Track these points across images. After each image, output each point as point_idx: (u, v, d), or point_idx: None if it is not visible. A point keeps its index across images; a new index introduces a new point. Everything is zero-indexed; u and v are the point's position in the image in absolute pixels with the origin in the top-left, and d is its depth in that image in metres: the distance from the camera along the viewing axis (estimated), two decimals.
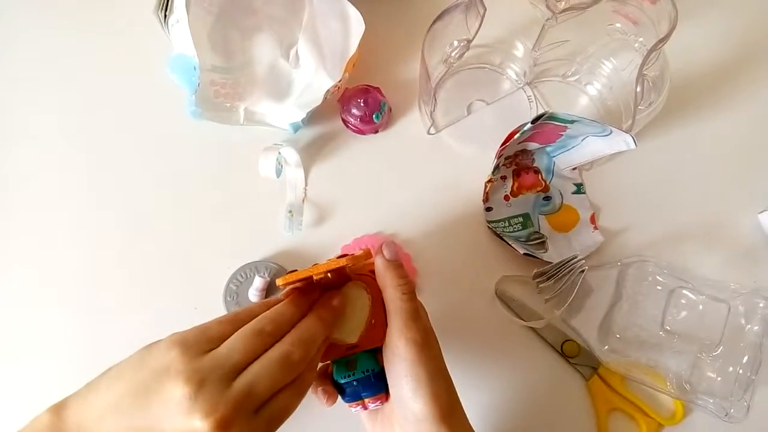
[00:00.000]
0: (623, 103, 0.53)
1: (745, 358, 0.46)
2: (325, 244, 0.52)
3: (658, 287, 0.49)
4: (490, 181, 0.52)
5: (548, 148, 0.54)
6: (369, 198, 0.54)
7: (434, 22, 0.47)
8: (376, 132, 0.55)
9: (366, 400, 0.39)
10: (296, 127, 0.52)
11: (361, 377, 0.38)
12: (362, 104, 0.52)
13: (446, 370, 0.38)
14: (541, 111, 0.51)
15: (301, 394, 0.35)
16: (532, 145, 0.54)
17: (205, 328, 0.34)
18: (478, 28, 0.45)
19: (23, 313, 0.51)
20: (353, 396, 0.39)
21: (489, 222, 0.52)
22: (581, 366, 0.49)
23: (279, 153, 0.52)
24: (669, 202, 0.53)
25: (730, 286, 0.49)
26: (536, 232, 0.52)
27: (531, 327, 0.50)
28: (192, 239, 0.52)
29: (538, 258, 0.50)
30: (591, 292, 0.50)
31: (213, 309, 0.50)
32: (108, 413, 0.31)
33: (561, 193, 0.54)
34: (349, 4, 0.50)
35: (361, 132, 0.55)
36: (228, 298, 0.50)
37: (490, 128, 0.55)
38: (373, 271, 0.40)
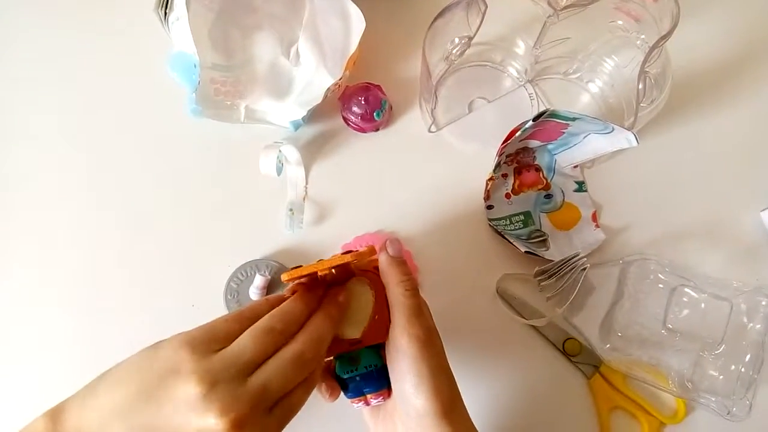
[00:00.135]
0: (625, 101, 0.53)
1: (748, 357, 0.46)
2: (326, 242, 0.52)
3: (660, 285, 0.49)
4: (491, 179, 0.51)
5: (550, 146, 0.54)
6: (370, 196, 0.53)
7: (435, 19, 0.47)
8: (377, 130, 0.55)
9: (368, 396, 0.39)
10: (297, 125, 0.52)
11: (364, 373, 0.39)
12: (363, 102, 0.52)
13: (448, 366, 0.38)
14: (542, 108, 0.51)
15: (309, 391, 0.35)
16: (534, 143, 0.54)
17: (212, 327, 0.33)
18: (480, 25, 0.44)
19: (23, 313, 0.51)
20: (355, 391, 0.39)
21: (490, 220, 0.52)
22: (583, 364, 0.49)
23: (280, 151, 0.52)
24: (671, 200, 0.53)
25: (733, 284, 0.49)
26: (537, 230, 0.52)
27: (532, 325, 0.50)
28: (192, 238, 0.52)
29: (539, 256, 0.50)
30: (592, 291, 0.50)
31: (213, 307, 0.50)
32: (113, 417, 0.31)
33: (562, 191, 0.53)
34: (350, 1, 0.49)
35: (362, 130, 0.55)
36: (229, 297, 0.50)
37: (492, 126, 0.55)
38: (376, 268, 0.40)
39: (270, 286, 0.50)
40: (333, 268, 0.37)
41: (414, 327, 0.36)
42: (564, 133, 0.50)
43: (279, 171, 0.52)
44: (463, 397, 0.38)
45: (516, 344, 0.50)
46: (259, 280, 0.49)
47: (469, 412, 0.38)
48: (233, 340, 0.33)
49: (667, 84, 0.47)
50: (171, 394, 0.31)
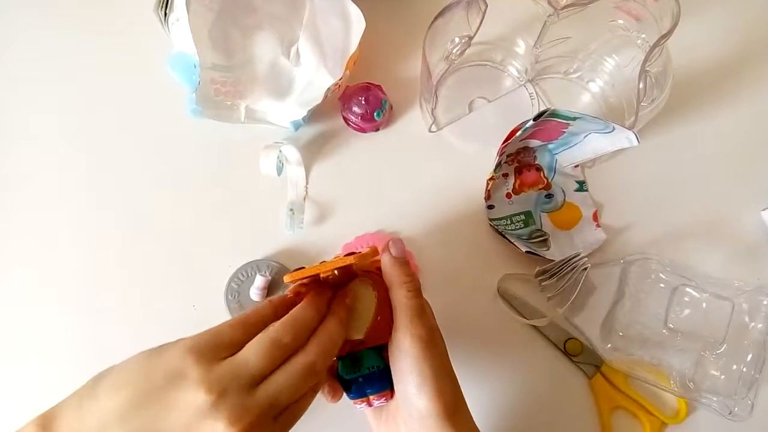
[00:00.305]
0: (626, 100, 0.53)
1: (749, 356, 0.46)
2: (327, 242, 0.52)
3: (661, 285, 0.49)
4: (491, 178, 0.51)
5: (550, 146, 0.54)
6: (370, 196, 0.53)
7: (435, 18, 0.47)
8: (377, 130, 0.55)
9: (371, 397, 0.39)
10: (297, 125, 0.52)
11: (367, 374, 0.38)
12: (363, 102, 0.52)
13: (451, 367, 0.38)
14: (543, 108, 0.51)
15: (314, 395, 0.35)
16: (534, 143, 0.54)
17: (217, 333, 0.33)
18: (480, 25, 0.44)
19: (23, 313, 0.51)
20: (358, 393, 0.39)
21: (491, 220, 0.52)
22: (584, 364, 0.49)
23: (280, 151, 0.52)
24: (672, 200, 0.53)
25: (734, 283, 0.49)
26: (538, 229, 0.52)
27: (533, 325, 0.50)
28: (193, 238, 0.52)
29: (540, 256, 0.50)
30: (593, 290, 0.50)
31: (214, 308, 0.50)
32: (114, 421, 0.30)
33: (563, 191, 0.53)
34: (350, 1, 0.49)
35: (362, 130, 0.54)
36: (229, 297, 0.50)
37: (492, 126, 0.54)
38: (379, 268, 0.40)
39: (271, 287, 0.50)
40: (335, 269, 0.36)
41: (417, 327, 0.36)
42: (565, 132, 0.50)
43: (279, 171, 0.52)
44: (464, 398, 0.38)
45: (517, 344, 0.50)
46: (259, 281, 0.49)
47: (470, 411, 0.38)
48: (239, 347, 0.32)
49: (667, 83, 0.47)
50: (177, 399, 0.30)
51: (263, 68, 0.54)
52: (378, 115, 0.52)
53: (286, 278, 0.36)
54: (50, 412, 0.32)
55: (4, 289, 0.51)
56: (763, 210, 0.52)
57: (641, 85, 0.44)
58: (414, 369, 0.35)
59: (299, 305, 0.36)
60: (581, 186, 0.53)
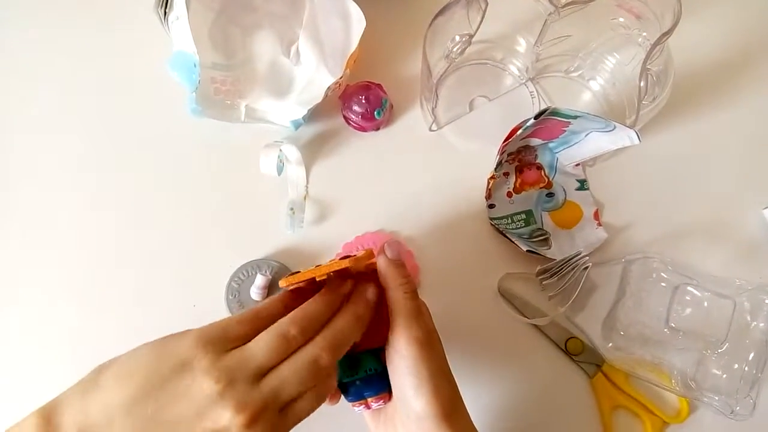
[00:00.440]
0: (627, 99, 0.53)
1: (751, 355, 0.46)
2: (327, 241, 0.52)
3: (663, 284, 0.49)
4: (492, 177, 0.51)
5: (551, 144, 0.53)
6: (371, 195, 0.53)
7: (436, 17, 0.46)
8: (378, 129, 0.55)
9: (369, 400, 0.39)
10: (297, 125, 0.52)
11: (364, 376, 0.38)
12: (364, 101, 0.52)
13: (448, 368, 0.38)
14: (543, 107, 0.51)
15: (321, 398, 0.34)
16: (535, 141, 0.53)
17: (226, 327, 0.33)
18: (480, 23, 0.44)
19: (23, 313, 0.51)
20: (356, 395, 0.39)
21: (492, 219, 0.52)
22: (585, 363, 0.49)
23: (280, 150, 0.52)
24: (673, 198, 0.53)
25: (735, 282, 0.48)
26: (539, 228, 0.52)
27: (534, 324, 0.50)
28: (193, 238, 0.52)
29: (541, 255, 0.50)
30: (595, 289, 0.50)
31: (214, 307, 0.50)
32: (121, 410, 0.31)
33: (564, 190, 0.53)
34: (350, 0, 0.49)
35: (363, 129, 0.54)
36: (230, 297, 0.50)
37: (493, 124, 0.54)
38: (375, 271, 0.39)
39: (271, 286, 0.50)
40: (331, 272, 0.36)
41: (413, 329, 0.36)
42: (565, 131, 0.50)
43: (279, 170, 0.52)
44: (464, 397, 0.38)
45: (518, 344, 0.50)
46: (260, 280, 0.49)
47: (470, 411, 0.38)
48: (247, 340, 0.33)
49: (668, 81, 0.47)
50: (185, 388, 0.31)
51: (263, 67, 0.54)
52: (378, 114, 0.52)
53: (282, 283, 0.36)
54: (51, 404, 0.32)
55: (4, 289, 0.51)
56: (765, 208, 0.52)
57: (642, 84, 0.44)
58: (411, 370, 0.35)
59: (310, 300, 0.36)
60: (582, 185, 0.53)
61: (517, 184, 0.53)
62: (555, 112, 0.44)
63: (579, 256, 0.47)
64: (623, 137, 0.46)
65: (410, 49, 0.56)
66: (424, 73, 0.49)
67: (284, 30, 0.55)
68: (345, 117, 0.54)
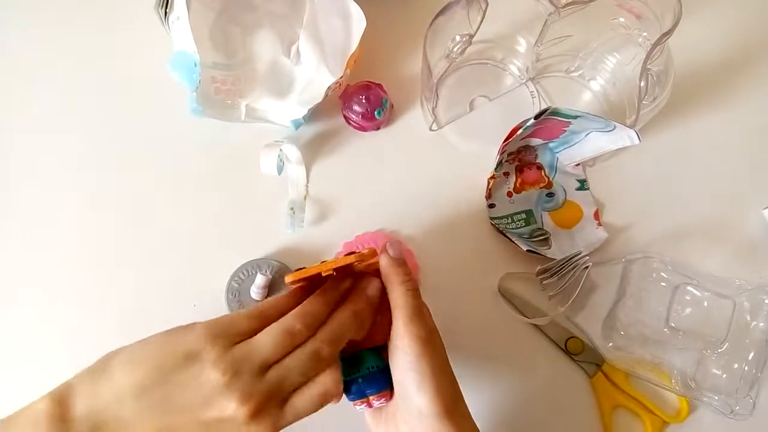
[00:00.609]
0: (627, 99, 0.53)
1: (751, 355, 0.46)
2: (327, 241, 0.52)
3: (663, 283, 0.49)
4: (492, 177, 0.51)
5: (551, 144, 0.53)
6: (371, 195, 0.53)
7: (436, 17, 0.47)
8: (378, 129, 0.55)
9: (371, 398, 0.39)
10: (298, 124, 0.52)
11: (366, 374, 0.38)
12: (364, 101, 0.52)
13: (450, 367, 0.38)
14: (543, 106, 0.51)
15: (323, 396, 0.35)
16: (535, 141, 0.53)
17: (233, 321, 0.34)
18: (480, 23, 0.44)
19: (22, 313, 0.51)
20: (358, 394, 0.39)
21: (492, 219, 0.52)
22: (585, 363, 0.49)
23: (280, 150, 0.52)
24: (673, 198, 0.53)
25: (735, 282, 0.49)
26: (539, 228, 0.52)
27: (534, 324, 0.50)
28: (193, 237, 0.52)
29: (541, 255, 0.50)
30: (595, 289, 0.50)
31: (214, 307, 0.50)
32: (130, 396, 0.32)
33: (564, 190, 0.53)
34: (351, 0, 0.49)
35: (363, 129, 0.54)
36: (230, 296, 0.50)
37: (493, 124, 0.54)
38: (376, 270, 0.40)
39: (271, 286, 0.50)
40: (335, 269, 0.37)
41: (415, 326, 0.36)
42: (565, 131, 0.50)
43: (280, 170, 0.52)
44: (464, 396, 0.38)
45: (518, 343, 0.50)
46: (260, 280, 0.49)
47: (470, 410, 0.38)
48: (252, 334, 0.34)
49: (669, 81, 0.47)
50: (193, 378, 0.32)
51: (264, 67, 0.54)
52: (379, 113, 0.52)
53: (287, 279, 0.37)
54: (63, 387, 0.33)
55: (4, 289, 0.51)
56: (765, 208, 0.52)
57: (642, 84, 0.44)
58: (414, 366, 0.36)
59: (311, 297, 0.37)
60: (582, 185, 0.53)
61: (518, 184, 0.53)
62: (555, 112, 0.45)
63: (579, 256, 0.47)
64: (623, 137, 0.46)
65: (410, 49, 0.56)
66: (425, 73, 0.49)
67: (285, 30, 0.55)
68: (345, 117, 0.54)
